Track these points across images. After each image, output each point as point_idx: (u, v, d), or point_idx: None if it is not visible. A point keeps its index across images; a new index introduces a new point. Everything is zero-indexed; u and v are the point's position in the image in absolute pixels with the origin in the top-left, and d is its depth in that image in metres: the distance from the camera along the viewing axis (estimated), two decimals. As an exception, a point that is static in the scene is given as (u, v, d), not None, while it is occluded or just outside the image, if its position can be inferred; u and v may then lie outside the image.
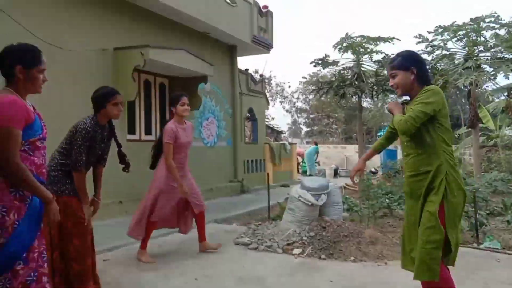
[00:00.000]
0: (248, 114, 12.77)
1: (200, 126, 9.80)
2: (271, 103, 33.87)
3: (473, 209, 5.39)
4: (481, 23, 10.16)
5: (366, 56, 11.49)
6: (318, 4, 69.73)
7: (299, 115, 40.89)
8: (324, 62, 11.68)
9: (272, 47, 12.45)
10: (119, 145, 3.49)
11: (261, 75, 14.93)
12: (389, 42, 11.10)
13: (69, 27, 6.68)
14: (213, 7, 9.46)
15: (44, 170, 2.34)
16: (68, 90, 6.51)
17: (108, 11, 7.39)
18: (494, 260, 4.45)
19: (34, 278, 2.20)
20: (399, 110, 2.72)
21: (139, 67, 7.28)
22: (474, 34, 10.39)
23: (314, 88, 14.66)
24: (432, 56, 11.26)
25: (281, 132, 27.47)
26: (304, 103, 38.91)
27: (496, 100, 15.79)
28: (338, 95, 11.60)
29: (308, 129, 39.51)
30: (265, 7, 12.27)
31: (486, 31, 10.31)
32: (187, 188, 4.54)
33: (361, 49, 11.31)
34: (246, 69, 12.61)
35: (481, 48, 10.71)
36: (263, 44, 11.80)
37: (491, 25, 10.16)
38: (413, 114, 2.52)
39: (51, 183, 3.05)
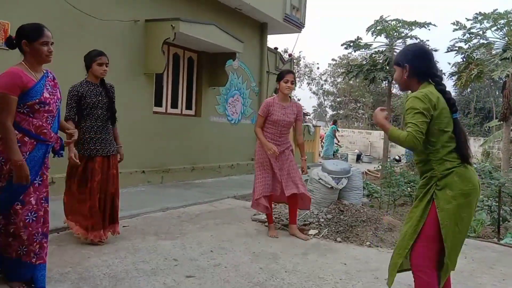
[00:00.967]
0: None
1: (225, 102, 9.82)
2: (298, 84, 33.62)
3: (497, 204, 5.28)
4: (525, 12, 9.75)
5: (400, 40, 11.22)
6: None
7: (325, 97, 40.44)
8: (356, 44, 11.47)
9: (304, 26, 12.15)
10: (111, 101, 3.99)
11: (290, 55, 14.69)
12: (425, 27, 10.78)
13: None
14: (246, -18, 9.34)
15: (45, 131, 2.71)
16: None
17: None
18: (514, 256, 4.37)
19: (34, 218, 2.71)
20: (386, 121, 2.51)
21: (169, 40, 7.30)
22: (516, 23, 9.99)
23: (343, 70, 14.42)
24: (469, 45, 10.89)
25: (306, 114, 27.28)
26: (331, 86, 38.40)
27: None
28: (368, 79, 11.39)
29: (334, 112, 39.06)
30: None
31: (530, 21, 9.89)
32: (274, 148, 4.44)
33: (395, 33, 11.05)
34: (276, 48, 12.43)
35: (523, 39, 10.30)
36: (295, 23, 11.59)
37: (536, 14, 9.74)
38: (412, 130, 2.29)
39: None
